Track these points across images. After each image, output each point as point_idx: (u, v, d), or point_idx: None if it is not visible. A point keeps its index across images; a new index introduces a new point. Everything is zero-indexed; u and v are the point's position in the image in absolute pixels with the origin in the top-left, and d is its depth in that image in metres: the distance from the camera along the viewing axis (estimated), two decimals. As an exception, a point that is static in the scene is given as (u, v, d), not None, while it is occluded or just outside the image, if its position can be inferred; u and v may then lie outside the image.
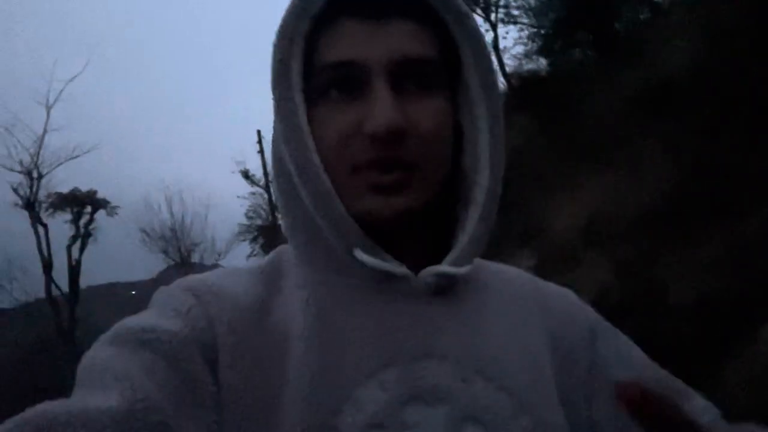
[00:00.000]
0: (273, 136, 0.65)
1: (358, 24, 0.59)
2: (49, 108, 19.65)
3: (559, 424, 0.59)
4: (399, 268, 0.60)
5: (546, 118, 7.91)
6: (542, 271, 6.12)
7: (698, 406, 0.65)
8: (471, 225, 0.63)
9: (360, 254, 0.58)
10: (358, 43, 0.58)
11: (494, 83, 0.64)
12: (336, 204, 0.58)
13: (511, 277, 0.72)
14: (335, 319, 0.58)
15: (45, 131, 19.69)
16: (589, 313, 0.71)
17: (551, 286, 0.74)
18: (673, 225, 4.36)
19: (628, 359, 0.67)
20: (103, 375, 0.48)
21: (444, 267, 0.61)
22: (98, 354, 0.52)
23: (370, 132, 0.56)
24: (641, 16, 8.76)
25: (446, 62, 0.63)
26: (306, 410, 0.52)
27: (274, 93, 0.60)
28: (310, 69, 0.61)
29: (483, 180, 0.64)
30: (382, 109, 0.56)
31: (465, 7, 0.64)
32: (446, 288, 0.62)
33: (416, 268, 0.61)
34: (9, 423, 0.42)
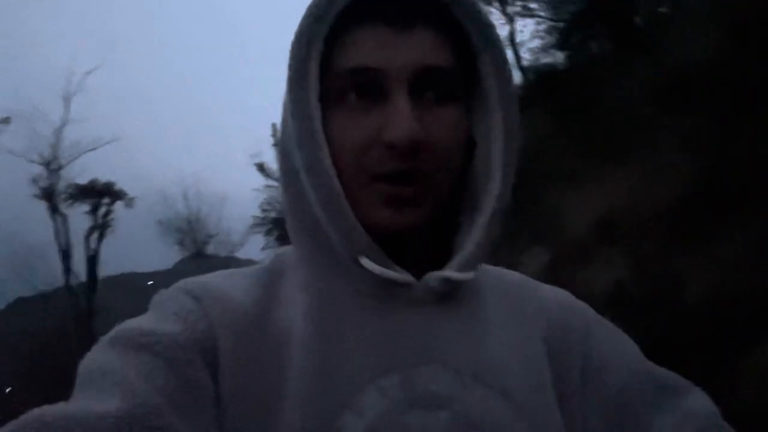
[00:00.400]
0: (283, 136, 0.64)
1: (379, 30, 0.58)
2: (68, 100, 19.92)
3: (558, 430, 0.59)
4: (404, 276, 0.60)
5: (562, 112, 7.84)
6: (557, 267, 6.08)
7: (691, 406, 0.63)
8: (478, 231, 0.63)
9: (366, 262, 0.58)
10: (379, 49, 0.58)
11: (513, 93, 0.64)
12: (346, 211, 0.58)
13: (511, 282, 0.72)
14: (336, 325, 0.58)
15: (64, 123, 19.98)
16: (585, 313, 0.71)
17: (546, 287, 0.73)
18: (691, 221, 4.31)
19: (621, 359, 0.66)
20: (103, 379, 0.48)
21: (449, 272, 0.61)
22: (98, 357, 0.52)
23: (390, 141, 0.56)
24: (660, 9, 8.63)
25: (464, 71, 0.63)
26: (306, 415, 0.52)
27: (290, 95, 0.59)
28: (326, 72, 0.60)
29: (494, 188, 0.63)
30: (402, 119, 0.55)
31: (488, 17, 0.63)
32: (448, 294, 0.62)
33: (418, 273, 0.61)
34: (7, 427, 0.42)
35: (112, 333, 0.54)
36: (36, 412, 0.43)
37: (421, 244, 0.64)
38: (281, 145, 0.64)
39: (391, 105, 0.57)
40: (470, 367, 0.58)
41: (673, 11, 8.21)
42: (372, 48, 0.58)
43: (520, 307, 0.67)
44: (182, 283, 0.62)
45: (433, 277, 0.60)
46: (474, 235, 0.63)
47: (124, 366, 0.49)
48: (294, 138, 0.59)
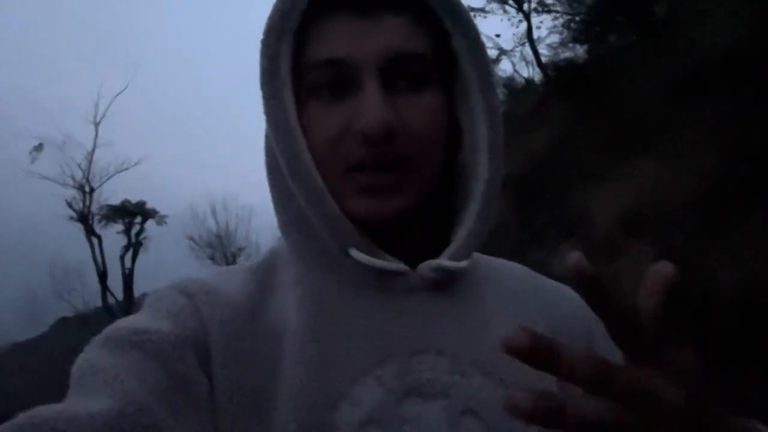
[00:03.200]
0: (266, 133, 0.63)
1: (348, 20, 0.58)
2: (97, 124, 20.47)
3: None
4: (395, 265, 0.59)
5: (584, 107, 7.77)
6: (586, 263, 5.98)
7: None
8: (470, 219, 0.63)
9: (355, 253, 0.58)
10: (348, 39, 0.57)
11: (490, 75, 0.63)
12: (329, 203, 0.58)
13: (510, 272, 0.71)
14: (330, 317, 0.58)
15: (95, 147, 20.53)
16: (588, 309, 0.71)
17: (551, 282, 0.73)
18: (718, 210, 4.23)
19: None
20: (94, 378, 0.48)
21: (442, 261, 0.60)
22: (89, 357, 0.51)
23: (360, 130, 0.55)
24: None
25: (440, 56, 0.62)
26: (301, 407, 0.52)
27: (263, 92, 0.59)
28: (299, 66, 0.60)
29: (482, 173, 0.62)
30: (371, 107, 0.55)
31: (460, 2, 0.63)
32: (444, 283, 0.61)
33: (414, 262, 0.61)
34: (0, 429, 0.42)
35: (104, 333, 0.53)
36: (29, 412, 0.43)
37: (415, 232, 0.63)
38: (265, 142, 0.64)
39: (362, 95, 0.56)
40: (468, 356, 0.57)
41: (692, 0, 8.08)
42: (340, 39, 0.58)
43: (520, 297, 0.67)
44: (175, 281, 0.61)
45: (427, 266, 0.60)
46: (467, 224, 0.63)
47: (115, 365, 0.49)
48: (271, 134, 0.59)
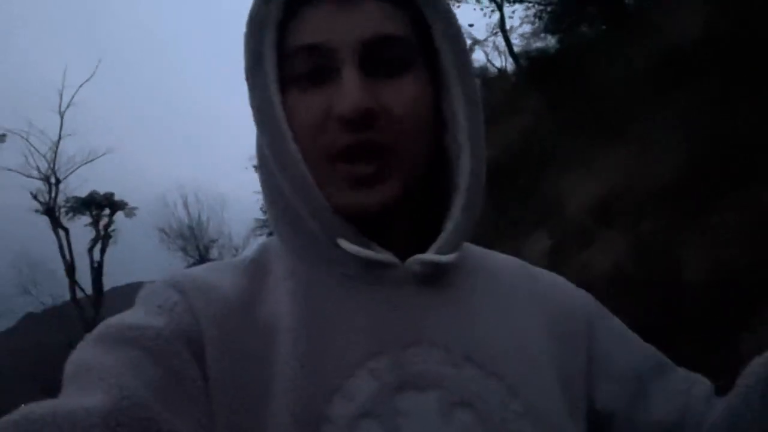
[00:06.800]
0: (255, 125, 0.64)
1: (326, 7, 0.58)
2: (62, 114, 19.95)
3: (552, 409, 0.58)
4: (385, 256, 0.59)
5: (556, 96, 7.84)
6: (558, 252, 6.10)
7: (689, 377, 0.66)
8: (456, 211, 0.62)
9: (345, 244, 0.58)
10: (326, 26, 0.57)
11: (467, 63, 0.63)
12: (316, 195, 0.58)
13: (503, 264, 0.71)
14: (323, 310, 0.58)
15: (60, 137, 20.02)
16: (585, 298, 0.71)
17: (544, 273, 0.73)
18: (687, 198, 4.31)
19: (626, 343, 0.68)
20: (88, 374, 0.48)
21: (429, 255, 0.60)
22: (83, 354, 0.51)
23: (339, 114, 0.55)
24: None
25: (422, 44, 0.61)
26: (294, 402, 0.52)
27: (247, 83, 0.59)
28: (283, 55, 0.60)
29: (465, 163, 0.62)
30: (349, 91, 0.54)
31: None
32: (434, 275, 0.61)
33: (406, 254, 0.60)
34: None
35: (97, 329, 0.53)
36: (23, 409, 0.43)
37: (405, 223, 0.63)
38: (257, 135, 0.64)
39: (340, 80, 0.56)
40: (460, 347, 0.58)
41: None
42: (319, 25, 0.57)
43: (514, 288, 0.67)
44: (167, 275, 0.61)
45: (414, 260, 0.60)
46: (454, 216, 0.62)
47: (110, 361, 0.49)
48: (257, 126, 0.59)
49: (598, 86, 6.76)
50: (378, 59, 0.58)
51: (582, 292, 0.72)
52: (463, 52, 0.62)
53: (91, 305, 19.35)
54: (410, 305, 0.59)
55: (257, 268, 0.63)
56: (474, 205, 0.63)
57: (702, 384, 0.66)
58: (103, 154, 20.94)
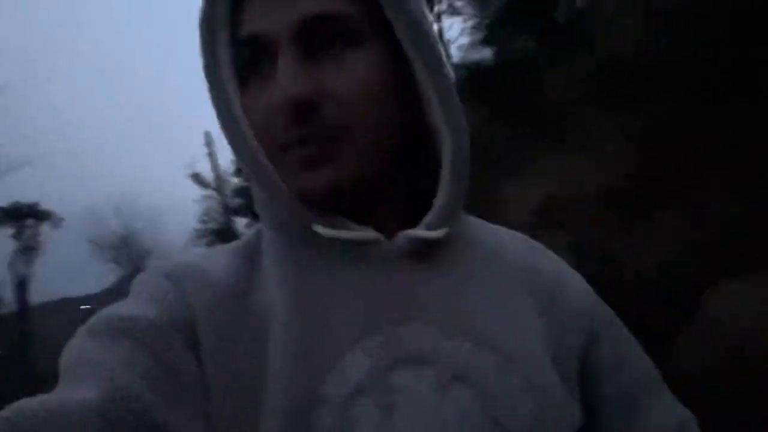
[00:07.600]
0: None
1: None
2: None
3: (548, 383, 0.58)
4: (364, 234, 0.58)
5: (496, 106, 8.04)
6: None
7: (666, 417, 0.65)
8: (443, 186, 0.61)
9: (320, 229, 0.57)
10: (264, 14, 0.55)
11: (423, 32, 0.59)
12: (279, 186, 0.57)
13: (501, 238, 0.70)
14: (314, 293, 0.57)
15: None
16: (588, 291, 0.70)
17: (548, 253, 0.72)
18: (630, 205, 4.48)
19: (630, 350, 0.68)
20: (82, 368, 0.47)
21: (417, 231, 0.59)
22: (76, 347, 0.50)
23: (275, 108, 0.54)
24: (578, 4, 8.99)
25: (379, 20, 0.58)
26: (289, 385, 0.51)
27: (206, 81, 0.59)
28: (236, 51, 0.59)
29: (445, 138, 0.61)
30: (282, 81, 0.53)
31: None
32: (425, 251, 0.60)
33: (396, 230, 0.60)
34: None
35: (90, 322, 0.52)
36: (16, 404, 0.41)
37: (392, 201, 0.62)
38: None
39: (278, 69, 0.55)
40: (455, 322, 0.57)
41: (591, 4, 8.56)
42: (257, 15, 0.56)
43: (511, 264, 0.66)
44: (160, 265, 0.60)
45: (403, 236, 0.59)
46: (441, 191, 0.61)
47: (103, 353, 0.48)
48: (219, 122, 0.59)
49: (537, 97, 6.97)
50: (321, 39, 0.55)
51: (586, 287, 0.71)
52: (416, 22, 0.58)
53: (15, 321, 18.24)
54: (401, 282, 0.58)
55: (251, 253, 0.63)
56: (460, 178, 0.62)
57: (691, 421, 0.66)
58: (26, 164, 19.92)
